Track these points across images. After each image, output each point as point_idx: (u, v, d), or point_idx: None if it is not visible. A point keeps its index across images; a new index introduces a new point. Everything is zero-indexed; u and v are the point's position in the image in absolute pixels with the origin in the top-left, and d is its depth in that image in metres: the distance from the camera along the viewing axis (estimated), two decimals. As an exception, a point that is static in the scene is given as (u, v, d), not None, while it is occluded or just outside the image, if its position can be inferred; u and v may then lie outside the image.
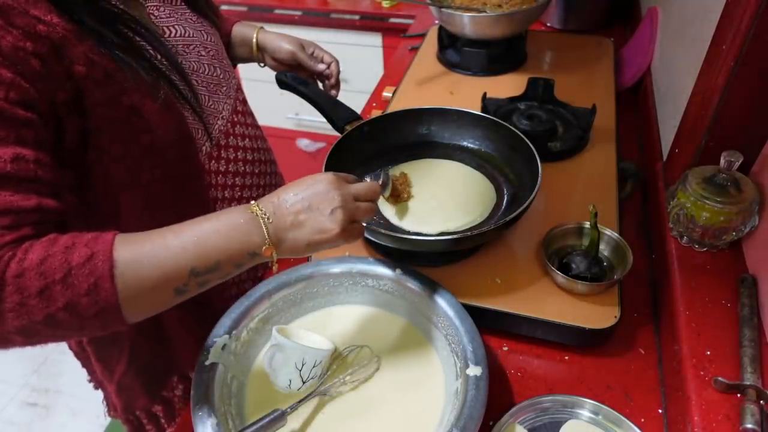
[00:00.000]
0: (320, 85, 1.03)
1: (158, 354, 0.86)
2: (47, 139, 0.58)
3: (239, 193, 0.86)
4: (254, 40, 0.99)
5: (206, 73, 0.78)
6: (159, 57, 0.67)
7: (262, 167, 0.92)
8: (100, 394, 0.97)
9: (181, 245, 0.54)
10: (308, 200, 0.58)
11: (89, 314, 0.51)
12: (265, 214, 0.57)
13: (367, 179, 0.90)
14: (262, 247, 0.56)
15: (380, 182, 0.79)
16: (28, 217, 0.53)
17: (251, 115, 0.93)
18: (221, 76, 0.81)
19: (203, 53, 0.78)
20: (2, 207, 0.51)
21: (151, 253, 0.53)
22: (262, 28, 1.00)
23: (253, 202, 0.58)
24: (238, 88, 0.89)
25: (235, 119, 0.85)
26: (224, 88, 0.82)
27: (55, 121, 0.59)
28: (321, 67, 1.00)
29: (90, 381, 0.98)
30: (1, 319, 0.49)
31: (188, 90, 0.71)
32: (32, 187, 0.54)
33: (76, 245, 0.51)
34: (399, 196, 0.85)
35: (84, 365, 0.94)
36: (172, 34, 0.74)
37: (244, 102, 0.91)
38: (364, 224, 0.71)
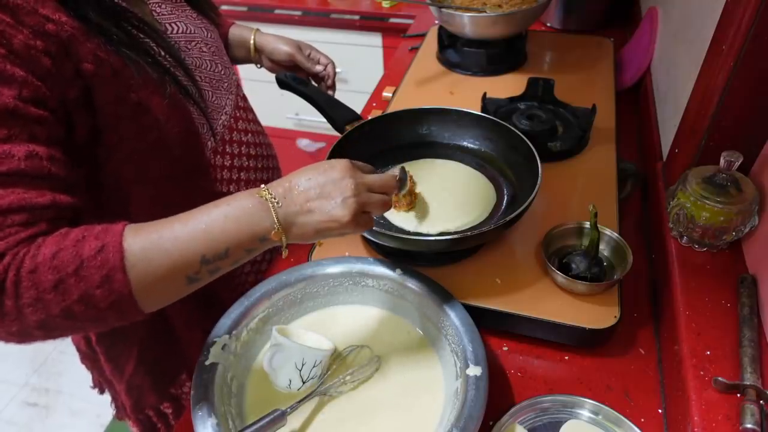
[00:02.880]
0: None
1: (166, 351, 0.86)
2: (59, 135, 0.58)
3: (244, 188, 0.87)
4: (252, 42, 1.00)
5: (208, 69, 0.79)
6: (163, 54, 0.68)
7: (265, 162, 0.93)
8: (100, 394, 0.98)
9: (190, 234, 0.54)
10: (320, 186, 0.57)
11: (104, 305, 0.51)
12: (274, 198, 0.56)
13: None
14: (271, 231, 0.56)
15: (397, 178, 0.78)
16: (43, 213, 0.53)
17: (252, 111, 0.94)
18: (222, 72, 0.82)
19: (204, 50, 0.79)
20: (17, 204, 0.52)
21: (161, 243, 0.53)
22: (258, 30, 1.02)
23: (263, 186, 0.58)
24: (238, 84, 0.89)
25: (238, 114, 0.86)
26: (226, 84, 0.83)
27: (66, 117, 0.59)
28: (318, 68, 1.01)
29: (93, 387, 0.98)
30: (20, 314, 0.50)
31: (192, 86, 0.72)
32: (46, 183, 0.54)
33: (87, 238, 0.52)
34: (405, 205, 0.84)
35: (91, 367, 0.94)
36: (174, 31, 0.75)
37: (245, 98, 0.92)
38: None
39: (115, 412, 0.97)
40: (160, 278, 0.53)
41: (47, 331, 0.52)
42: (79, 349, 0.93)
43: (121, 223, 0.54)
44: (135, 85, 0.63)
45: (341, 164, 0.59)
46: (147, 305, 0.54)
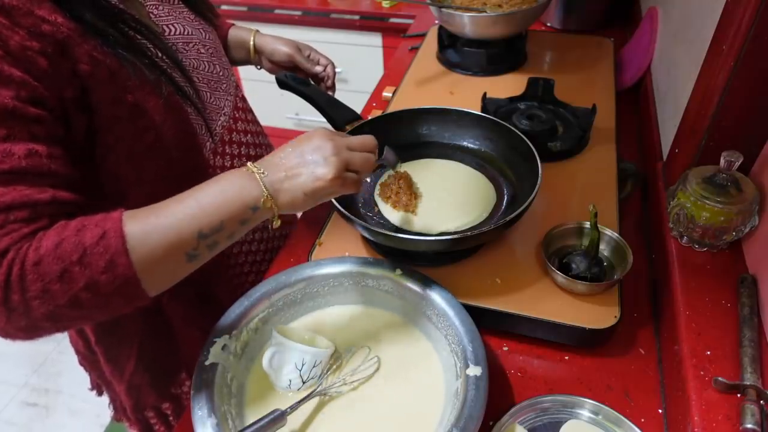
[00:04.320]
0: None
1: (165, 351, 0.87)
2: (59, 134, 0.59)
3: None
4: (251, 43, 1.01)
5: (206, 70, 0.79)
6: (160, 55, 0.68)
7: None
8: (98, 396, 0.98)
9: (185, 212, 0.56)
10: (302, 153, 0.60)
11: (110, 291, 0.52)
12: (260, 169, 0.59)
13: (367, 179, 0.90)
14: (260, 199, 0.58)
15: (383, 156, 0.79)
16: (45, 209, 0.54)
17: (251, 111, 0.94)
18: (221, 73, 0.82)
19: (202, 51, 0.79)
20: (19, 201, 0.52)
21: (159, 223, 0.55)
22: (257, 31, 1.02)
23: (249, 162, 0.60)
24: (237, 86, 0.89)
25: (237, 115, 0.86)
26: (224, 85, 0.83)
27: (65, 117, 0.60)
28: (318, 69, 1.02)
29: (92, 389, 0.98)
30: (27, 308, 0.51)
31: (190, 87, 0.72)
32: (47, 180, 0.55)
33: (87, 227, 0.53)
34: (407, 205, 0.84)
35: (90, 368, 0.94)
36: (172, 33, 0.75)
37: (244, 99, 0.92)
38: (364, 225, 0.71)
39: (113, 413, 0.97)
40: (161, 258, 0.54)
41: (54, 322, 0.53)
42: (77, 351, 0.93)
43: (119, 210, 0.55)
44: (132, 87, 0.64)
45: (319, 131, 0.63)
46: (151, 287, 0.55)
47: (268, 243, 0.95)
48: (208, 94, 0.79)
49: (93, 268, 0.51)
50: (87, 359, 0.92)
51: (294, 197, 0.59)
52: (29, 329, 0.53)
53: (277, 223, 0.60)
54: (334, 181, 0.59)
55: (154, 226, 0.54)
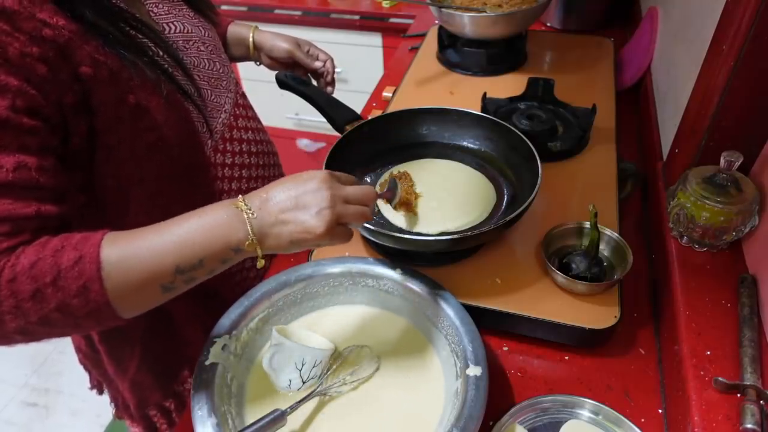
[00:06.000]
0: (315, 82, 1.05)
1: (168, 348, 0.87)
2: (52, 144, 0.58)
3: (246, 185, 0.87)
4: (251, 39, 1.01)
5: (207, 68, 0.79)
6: (161, 54, 0.68)
7: (266, 159, 0.93)
8: (99, 395, 0.98)
9: (164, 244, 0.54)
10: (296, 198, 0.57)
11: (81, 314, 0.52)
12: (249, 209, 0.56)
13: (367, 180, 0.90)
14: (245, 242, 0.56)
15: (386, 190, 0.79)
16: (28, 224, 0.54)
17: (251, 108, 0.94)
18: (221, 71, 0.82)
19: (202, 48, 0.79)
20: (2, 215, 0.52)
21: (136, 253, 0.54)
22: (257, 27, 1.02)
23: (240, 196, 0.58)
24: (237, 82, 0.89)
25: (237, 112, 0.86)
26: (224, 82, 0.83)
27: (63, 124, 0.59)
28: (317, 64, 1.02)
29: (92, 388, 0.98)
30: (0, 321, 0.51)
31: (191, 85, 0.72)
32: (33, 194, 0.55)
33: (65, 248, 0.52)
34: (407, 205, 0.84)
35: (92, 367, 0.94)
36: (172, 31, 0.75)
37: (244, 96, 0.93)
38: (363, 225, 0.71)
39: (114, 411, 0.97)
40: (135, 287, 0.54)
41: (25, 335, 0.53)
42: (79, 349, 0.93)
43: (101, 233, 0.55)
44: (133, 87, 0.64)
45: (319, 175, 0.59)
46: (124, 312, 0.55)
47: None
48: (209, 91, 0.79)
49: (66, 291, 0.51)
50: (89, 358, 0.92)
51: (279, 243, 0.57)
52: (2, 338, 0.53)
53: (261, 263, 0.58)
54: (322, 237, 0.57)
55: (131, 255, 0.53)
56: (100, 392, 0.98)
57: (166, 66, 0.68)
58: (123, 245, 0.54)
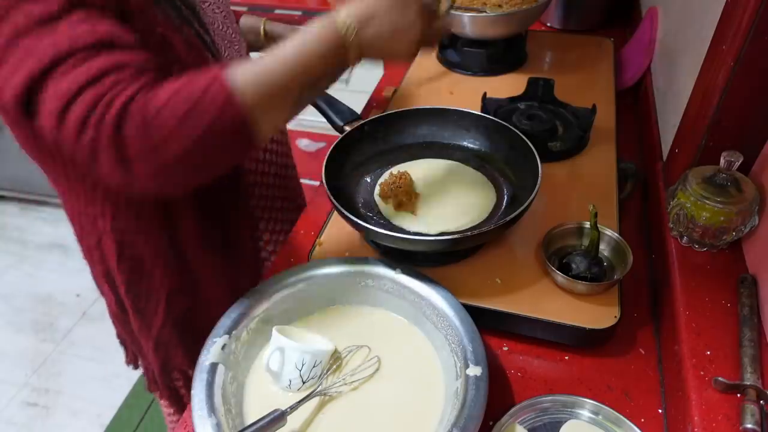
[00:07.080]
0: None
1: (192, 306, 0.88)
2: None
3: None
4: (262, 27, 1.03)
5: (221, 29, 0.83)
6: (179, 5, 0.71)
7: None
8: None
9: (284, 53, 0.59)
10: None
11: (227, 132, 0.56)
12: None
13: (367, 180, 0.90)
14: (346, 26, 0.60)
15: None
16: (148, 64, 0.58)
17: None
18: (233, 36, 0.86)
19: (217, 11, 0.83)
20: (122, 62, 0.55)
21: (264, 64, 0.58)
22: (268, 20, 1.04)
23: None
24: (248, 52, 0.93)
25: None
26: (237, 46, 0.86)
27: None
28: None
29: (128, 363, 1.00)
30: (160, 150, 0.54)
31: (208, 38, 0.76)
32: (135, 48, 0.59)
33: (195, 78, 0.55)
34: (405, 205, 0.84)
35: (121, 326, 0.95)
36: None
37: None
38: (365, 226, 0.71)
39: (146, 384, 0.99)
40: (271, 95, 0.58)
41: (178, 168, 0.56)
42: (110, 312, 0.94)
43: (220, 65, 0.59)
44: (160, 22, 0.67)
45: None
46: (263, 128, 0.58)
47: (284, 190, 1.03)
48: (223, 48, 0.82)
49: (207, 115, 0.54)
50: (118, 318, 0.93)
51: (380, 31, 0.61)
52: (156, 175, 0.56)
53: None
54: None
55: (261, 66, 0.57)
56: (135, 366, 1.00)
57: (187, 15, 0.71)
58: (248, 65, 0.57)
